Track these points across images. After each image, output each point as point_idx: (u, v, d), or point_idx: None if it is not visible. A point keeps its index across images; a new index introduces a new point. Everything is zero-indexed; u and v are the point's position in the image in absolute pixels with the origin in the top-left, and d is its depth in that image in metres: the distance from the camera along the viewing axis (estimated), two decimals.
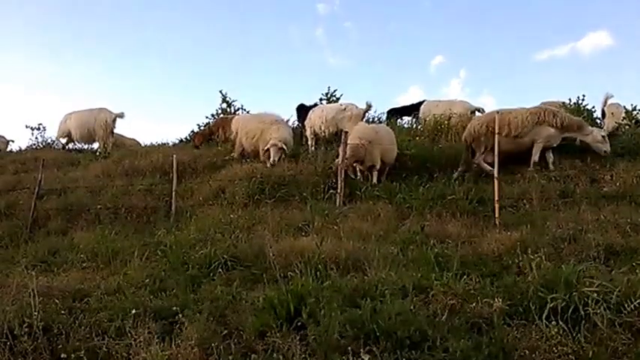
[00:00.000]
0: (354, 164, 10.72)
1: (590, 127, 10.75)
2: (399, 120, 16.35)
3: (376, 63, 39.13)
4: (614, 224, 7.14)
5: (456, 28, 37.61)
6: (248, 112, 16.59)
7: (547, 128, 10.43)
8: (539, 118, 10.45)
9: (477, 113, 14.64)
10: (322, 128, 13.60)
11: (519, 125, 10.39)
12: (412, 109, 16.25)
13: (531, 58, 38.25)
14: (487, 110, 14.46)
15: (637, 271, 5.13)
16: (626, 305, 4.43)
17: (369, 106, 13.52)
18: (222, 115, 16.70)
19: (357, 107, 13.55)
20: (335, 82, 47.88)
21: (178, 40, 40.04)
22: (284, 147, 11.57)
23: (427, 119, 14.28)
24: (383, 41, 38.93)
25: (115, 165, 13.14)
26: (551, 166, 10.39)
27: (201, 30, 40.29)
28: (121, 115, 15.68)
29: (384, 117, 16.62)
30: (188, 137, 17.33)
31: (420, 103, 16.03)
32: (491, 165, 9.77)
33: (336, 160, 10.09)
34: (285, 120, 13.58)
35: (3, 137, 18.34)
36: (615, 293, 4.55)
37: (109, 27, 39.53)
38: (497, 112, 10.58)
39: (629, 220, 7.18)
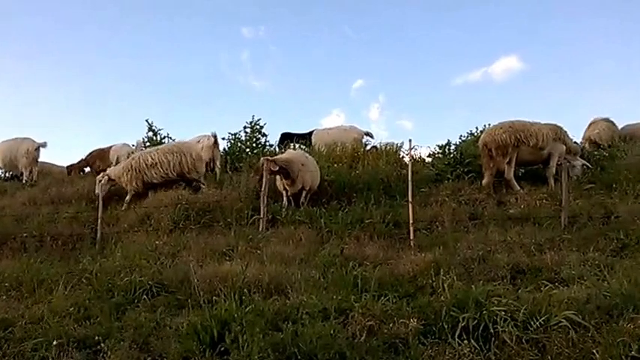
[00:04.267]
0: (284, 184, 10.84)
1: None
2: (291, 145, 17.08)
3: (300, 86, 39.38)
4: (520, 244, 7.47)
5: (375, 53, 38.05)
6: (173, 140, 16.65)
7: (561, 145, 11.03)
8: (556, 134, 11.03)
9: (366, 137, 16.51)
10: None
11: (544, 138, 10.84)
12: (304, 137, 17.32)
13: (448, 82, 39.05)
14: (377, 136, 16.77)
15: (542, 289, 5.45)
16: (532, 322, 4.64)
17: (214, 136, 14.01)
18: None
19: (207, 138, 14.15)
20: (259, 105, 47.82)
21: (104, 66, 38.66)
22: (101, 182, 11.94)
23: (319, 147, 15.75)
24: (307, 65, 39.18)
25: (42, 193, 12.93)
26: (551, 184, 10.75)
27: (128, 55, 38.86)
28: (44, 145, 16.12)
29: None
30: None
31: (311, 132, 17.30)
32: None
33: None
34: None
35: None
36: (522, 311, 4.74)
37: (37, 56, 38.19)
38: (521, 124, 11.01)
39: (533, 240, 7.56)
